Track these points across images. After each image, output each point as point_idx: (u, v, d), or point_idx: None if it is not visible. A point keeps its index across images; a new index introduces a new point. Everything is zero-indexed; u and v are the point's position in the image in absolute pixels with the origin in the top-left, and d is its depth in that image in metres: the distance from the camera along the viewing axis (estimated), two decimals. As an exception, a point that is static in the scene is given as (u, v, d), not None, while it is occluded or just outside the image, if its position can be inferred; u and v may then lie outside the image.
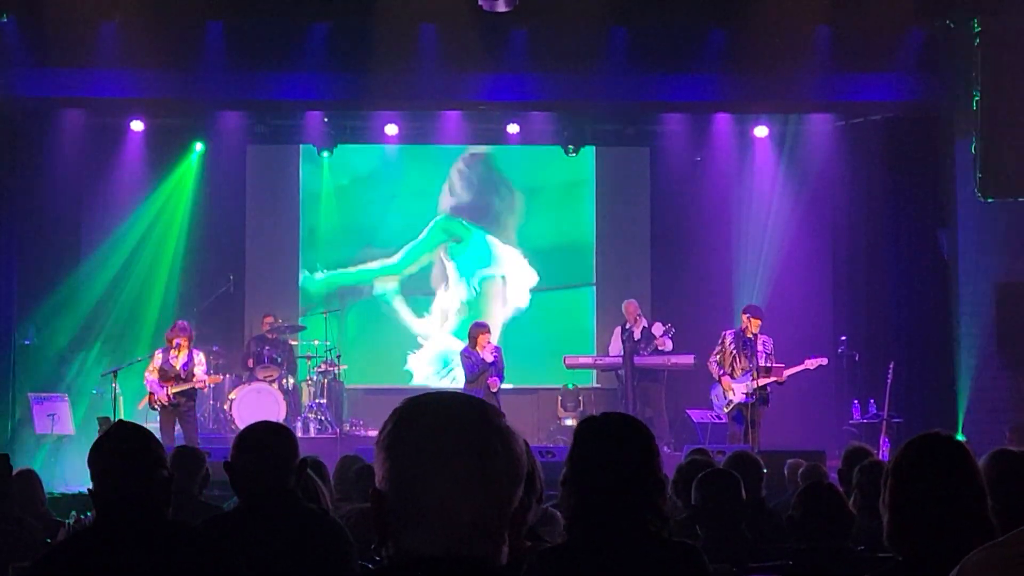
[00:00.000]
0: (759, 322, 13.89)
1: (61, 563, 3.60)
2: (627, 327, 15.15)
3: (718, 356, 13.93)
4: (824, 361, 14.03)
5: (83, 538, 3.82)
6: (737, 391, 13.73)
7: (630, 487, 3.38)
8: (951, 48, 14.27)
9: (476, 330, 14.37)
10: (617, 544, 3.36)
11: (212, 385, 14.38)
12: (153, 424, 13.82)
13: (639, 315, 15.28)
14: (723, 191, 16.95)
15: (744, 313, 13.96)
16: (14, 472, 7.34)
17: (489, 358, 14.11)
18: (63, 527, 7.16)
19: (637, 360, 14.77)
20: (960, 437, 13.47)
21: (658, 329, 15.02)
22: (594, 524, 3.38)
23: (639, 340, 15.01)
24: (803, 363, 13.96)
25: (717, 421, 14.45)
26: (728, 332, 14.01)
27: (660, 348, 14.95)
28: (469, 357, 14.23)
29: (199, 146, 16.54)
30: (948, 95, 14.65)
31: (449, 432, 1.99)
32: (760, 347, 13.79)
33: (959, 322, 15.09)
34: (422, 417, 2.02)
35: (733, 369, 13.83)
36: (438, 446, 1.98)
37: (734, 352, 13.84)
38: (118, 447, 3.71)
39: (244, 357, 15.76)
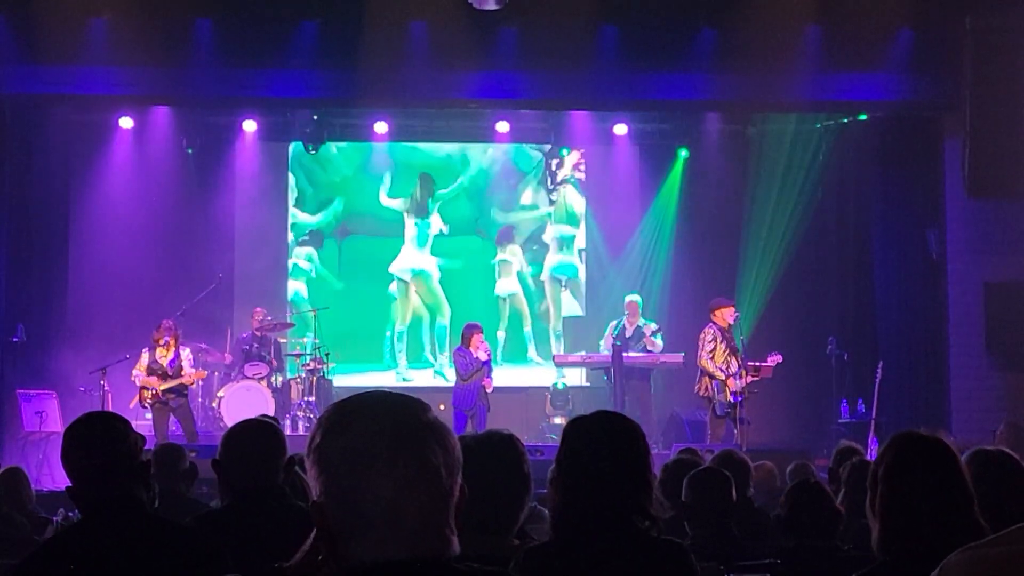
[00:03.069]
0: (734, 311, 13.87)
1: (48, 561, 3.59)
2: (620, 323, 15.14)
3: (711, 355, 13.76)
4: (779, 358, 13.92)
5: (70, 535, 3.81)
6: (729, 394, 13.77)
7: (617, 486, 3.38)
8: (941, 48, 14.28)
9: (469, 330, 14.44)
10: (603, 542, 3.36)
11: (199, 380, 14.40)
12: (145, 422, 13.84)
13: (637, 313, 15.26)
14: (712, 190, 16.96)
15: (720, 307, 13.83)
16: (3, 470, 7.34)
17: (483, 356, 14.21)
18: (50, 524, 7.14)
19: (626, 358, 14.76)
20: (948, 436, 13.55)
21: (649, 328, 15.03)
22: (580, 522, 3.38)
23: (630, 338, 15.03)
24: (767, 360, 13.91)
25: (704, 420, 14.45)
26: (711, 328, 13.85)
27: (649, 348, 14.95)
28: (463, 356, 14.30)
29: (191, 148, 16.56)
30: (938, 95, 14.67)
31: (381, 435, 1.96)
32: (736, 343, 13.79)
33: (948, 321, 15.13)
34: (351, 425, 1.98)
35: (728, 365, 13.82)
36: (373, 452, 1.95)
37: (726, 349, 13.79)
38: (91, 442, 3.69)
39: (233, 352, 15.76)
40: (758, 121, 16.71)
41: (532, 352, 17.62)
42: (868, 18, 13.88)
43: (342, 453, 1.96)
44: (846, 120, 16.13)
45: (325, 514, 1.97)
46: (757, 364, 13.72)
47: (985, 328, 14.88)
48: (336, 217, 17.68)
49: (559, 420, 15.81)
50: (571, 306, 17.88)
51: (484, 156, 17.86)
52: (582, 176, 17.91)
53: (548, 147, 17.75)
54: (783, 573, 4.96)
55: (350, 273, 17.67)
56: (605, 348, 15.20)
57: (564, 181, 17.88)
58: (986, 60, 13.85)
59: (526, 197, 17.87)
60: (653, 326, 15.06)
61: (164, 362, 13.54)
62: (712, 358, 13.76)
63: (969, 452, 3.95)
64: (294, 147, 17.36)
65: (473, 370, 14.18)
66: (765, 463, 8.81)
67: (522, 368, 17.37)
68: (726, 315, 13.75)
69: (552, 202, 17.89)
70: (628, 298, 15.43)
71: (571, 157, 17.82)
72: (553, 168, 17.86)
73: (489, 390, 14.26)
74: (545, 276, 17.88)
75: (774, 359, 13.86)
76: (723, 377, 13.66)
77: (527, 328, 17.71)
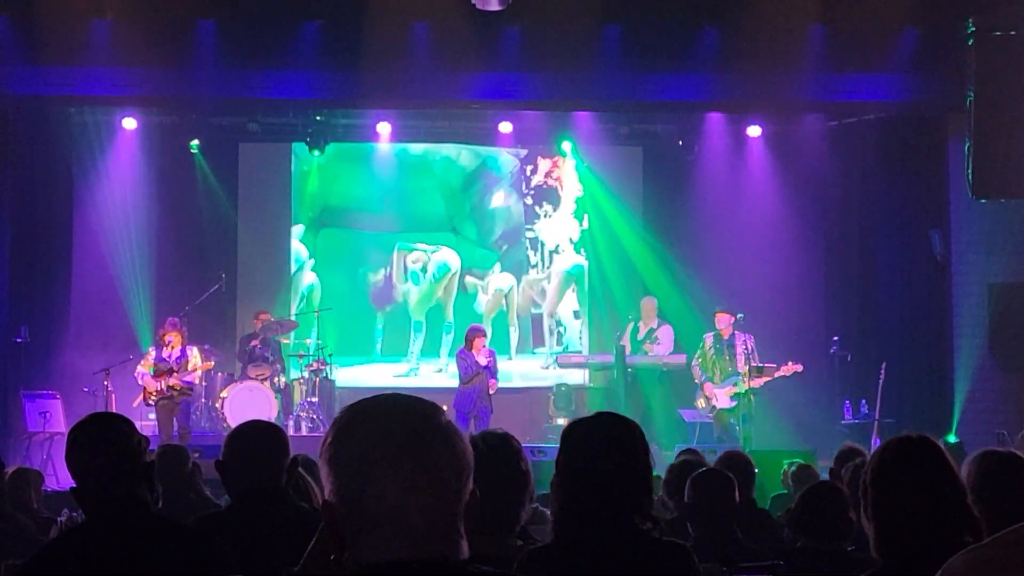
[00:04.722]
0: (729, 318, 13.95)
1: (53, 561, 3.59)
2: (637, 324, 15.24)
3: (699, 360, 14.00)
4: (799, 368, 13.99)
5: (75, 536, 3.81)
6: (720, 396, 13.80)
7: (617, 487, 3.38)
8: (945, 48, 14.27)
9: (472, 334, 14.48)
10: (604, 543, 3.36)
11: (203, 372, 14.39)
12: (149, 423, 13.84)
13: (653, 314, 15.32)
14: (716, 191, 16.97)
15: (715, 314, 14.11)
16: (12, 470, 7.34)
17: (483, 361, 14.24)
18: (55, 525, 7.15)
19: (629, 359, 14.78)
20: (952, 438, 13.55)
21: (664, 332, 15.08)
22: (581, 524, 3.38)
23: (641, 340, 15.11)
24: (779, 370, 13.95)
25: (707, 420, 14.49)
26: (708, 335, 14.09)
27: (648, 349, 14.99)
28: (464, 359, 14.36)
29: (195, 143, 16.55)
30: (942, 95, 14.66)
31: (388, 437, 1.98)
32: (740, 348, 13.80)
33: (952, 322, 15.12)
34: (360, 425, 2.00)
35: (714, 374, 13.89)
36: (379, 453, 1.97)
37: (713, 356, 13.90)
38: (95, 443, 3.68)
39: (239, 355, 15.78)
40: (761, 121, 16.68)
41: (513, 350, 17.66)
42: (872, 18, 13.87)
43: (350, 455, 1.98)
44: (850, 120, 16.11)
45: (334, 514, 1.99)
46: (762, 366, 13.74)
47: (989, 329, 14.88)
48: (326, 211, 17.72)
49: (562, 421, 15.79)
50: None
51: (459, 157, 17.88)
52: (556, 183, 17.92)
53: (524, 152, 17.79)
54: (786, 574, 4.96)
55: (345, 265, 17.70)
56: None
57: (539, 187, 17.91)
58: (990, 60, 13.84)
59: (499, 199, 17.89)
60: (670, 328, 15.12)
61: (171, 359, 13.57)
62: (699, 363, 13.94)
63: (977, 453, 3.95)
64: (296, 146, 17.33)
65: (472, 374, 14.23)
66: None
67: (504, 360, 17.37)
68: (718, 321, 13.97)
69: (527, 207, 17.91)
70: (644, 300, 15.50)
71: (544, 164, 17.85)
72: (528, 174, 17.91)
73: (492, 391, 14.29)
74: (545, 275, 17.87)
75: (790, 368, 13.87)
76: (699, 382, 13.89)
77: (513, 324, 17.76)
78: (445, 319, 17.58)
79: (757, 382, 13.68)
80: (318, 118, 16.46)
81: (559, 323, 17.82)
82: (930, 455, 3.14)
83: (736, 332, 14.00)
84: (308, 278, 17.57)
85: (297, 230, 17.60)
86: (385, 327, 17.58)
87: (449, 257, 17.71)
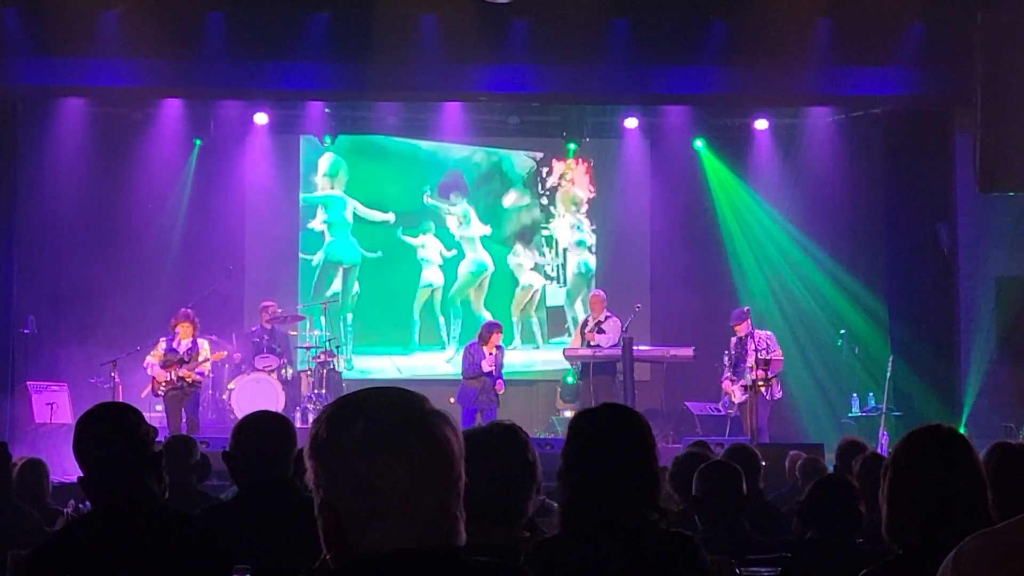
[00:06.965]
0: (742, 323, 14.02)
1: (59, 551, 3.60)
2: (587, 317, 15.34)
3: (728, 361, 14.15)
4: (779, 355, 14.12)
5: (81, 526, 3.82)
6: (736, 392, 13.93)
7: (624, 478, 3.39)
8: (952, 42, 14.25)
9: (488, 330, 14.52)
10: (612, 535, 3.37)
11: (216, 361, 14.39)
12: (157, 414, 13.85)
13: (600, 307, 15.27)
14: (721, 183, 16.97)
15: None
16: (22, 462, 7.35)
17: (487, 368, 14.26)
18: (61, 515, 7.15)
19: (636, 352, 14.78)
20: (960, 431, 13.56)
21: (611, 324, 15.04)
22: (588, 515, 3.39)
23: (590, 330, 15.21)
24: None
25: (716, 414, 14.51)
26: (733, 338, 14.19)
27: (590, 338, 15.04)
28: (470, 357, 14.42)
29: (199, 140, 16.56)
30: (949, 89, 14.64)
31: (392, 422, 1.98)
32: (751, 346, 13.86)
33: (959, 315, 15.09)
34: (358, 414, 2.00)
35: (729, 371, 14.05)
36: (386, 438, 1.97)
37: (734, 357, 14.04)
38: (103, 433, 3.69)
39: (243, 345, 15.79)
40: (768, 114, 16.67)
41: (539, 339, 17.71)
42: (879, 12, 13.86)
43: (353, 443, 1.97)
44: (857, 114, 16.09)
45: (337, 511, 1.98)
46: (768, 359, 13.77)
47: (996, 322, 14.85)
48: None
49: (569, 413, 15.82)
50: (556, 297, 18.01)
51: (474, 157, 17.89)
52: (570, 186, 17.92)
53: (540, 155, 17.80)
54: (794, 566, 4.96)
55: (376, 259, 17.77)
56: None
57: (553, 188, 17.92)
58: (997, 54, 13.81)
59: (514, 199, 17.89)
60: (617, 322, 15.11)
61: (181, 350, 13.57)
62: (728, 363, 14.08)
63: (990, 445, 3.96)
64: (313, 140, 17.29)
65: (475, 374, 14.31)
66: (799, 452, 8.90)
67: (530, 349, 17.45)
68: (733, 322, 14.08)
69: (542, 207, 17.92)
70: (592, 292, 15.57)
71: (558, 167, 17.86)
72: (543, 175, 17.91)
73: (501, 391, 14.39)
74: (558, 272, 17.92)
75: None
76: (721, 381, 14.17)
77: (534, 317, 17.83)
78: (475, 312, 17.61)
79: (761, 374, 13.72)
80: (327, 110, 16.47)
81: (574, 318, 17.87)
82: (960, 448, 3.15)
83: (754, 330, 14.04)
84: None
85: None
86: (421, 318, 17.60)
87: (485, 257, 17.76)
